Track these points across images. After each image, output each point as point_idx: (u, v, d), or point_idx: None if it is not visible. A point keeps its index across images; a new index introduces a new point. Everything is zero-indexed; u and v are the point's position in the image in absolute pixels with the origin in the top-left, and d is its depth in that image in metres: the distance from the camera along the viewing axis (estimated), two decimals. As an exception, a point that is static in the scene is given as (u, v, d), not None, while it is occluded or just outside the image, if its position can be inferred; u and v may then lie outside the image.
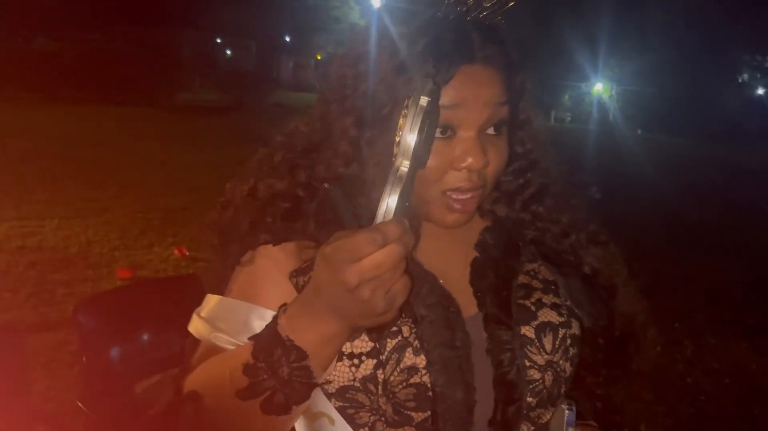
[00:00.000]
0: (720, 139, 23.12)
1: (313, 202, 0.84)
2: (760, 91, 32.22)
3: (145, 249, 5.20)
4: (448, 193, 0.83)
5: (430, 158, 0.78)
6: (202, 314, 0.85)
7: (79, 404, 1.85)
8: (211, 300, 0.86)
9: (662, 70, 26.69)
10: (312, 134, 0.89)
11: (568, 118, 29.99)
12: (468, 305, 0.88)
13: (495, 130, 0.84)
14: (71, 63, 19.33)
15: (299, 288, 0.82)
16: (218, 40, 29.43)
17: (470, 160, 0.81)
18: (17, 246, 4.92)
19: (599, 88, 29.69)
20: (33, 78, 18.49)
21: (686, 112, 26.07)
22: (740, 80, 32.71)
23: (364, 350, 0.80)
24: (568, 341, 0.89)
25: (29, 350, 3.33)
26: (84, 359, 1.97)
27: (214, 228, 0.91)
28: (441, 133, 0.80)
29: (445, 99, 0.78)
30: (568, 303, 0.91)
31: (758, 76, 32.87)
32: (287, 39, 26.99)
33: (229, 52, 30.84)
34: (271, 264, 0.83)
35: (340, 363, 0.79)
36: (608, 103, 29.19)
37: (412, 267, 0.82)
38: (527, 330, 0.87)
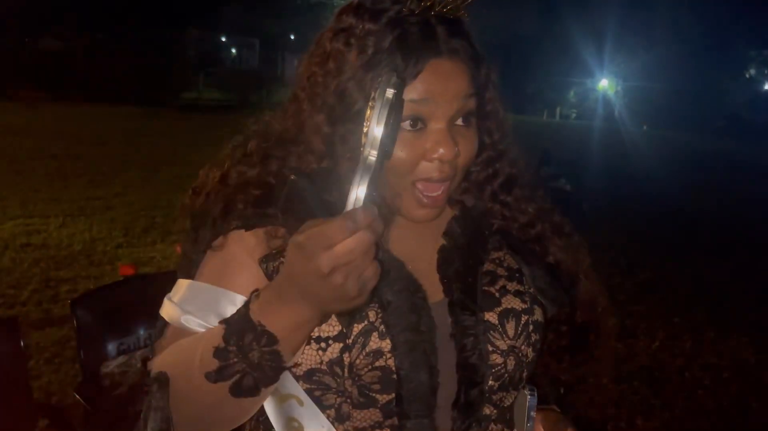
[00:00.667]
0: (726, 135, 23.01)
1: (283, 191, 0.85)
2: (767, 86, 32.02)
3: (148, 246, 5.25)
4: (419, 185, 0.85)
5: (402, 150, 0.82)
6: (174, 298, 0.86)
7: (77, 396, 1.90)
8: (182, 285, 0.86)
9: (668, 66, 26.55)
10: (285, 130, 0.90)
11: (574, 115, 29.90)
12: (434, 291, 0.89)
13: (464, 121, 0.86)
14: (78, 62, 19.47)
15: (269, 274, 0.83)
16: (223, 39, 29.52)
17: (442, 150, 0.83)
18: (22, 244, 4.99)
19: (604, 84, 29.58)
20: (40, 77, 18.63)
21: (692, 108, 25.94)
22: (747, 75, 32.52)
23: (331, 334, 0.81)
24: (531, 327, 0.91)
25: (33, 345, 3.39)
26: (81, 353, 2.02)
27: (186, 213, 0.92)
28: (411, 125, 0.82)
29: (414, 93, 0.81)
30: (532, 290, 0.93)
31: (765, 71, 32.66)
32: (292, 37, 27.02)
33: (234, 50, 30.93)
34: (242, 249, 0.84)
35: (308, 347, 0.81)
36: (614, 99, 29.09)
37: (380, 254, 0.84)
38: (491, 316, 0.89)
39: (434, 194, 0.86)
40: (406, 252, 0.90)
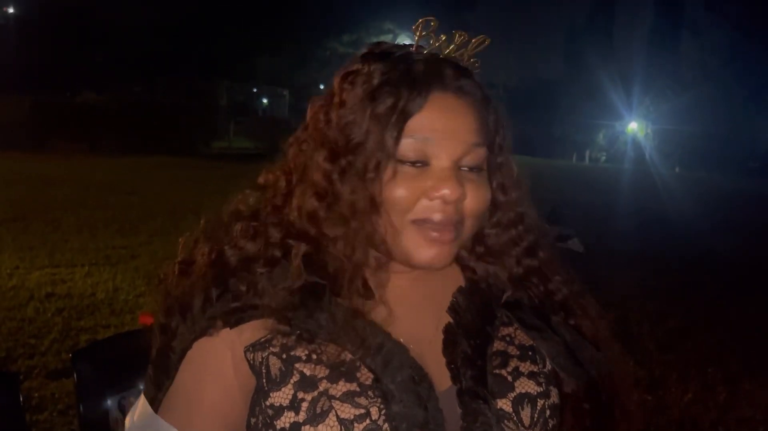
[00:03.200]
0: (760, 175, 22.53)
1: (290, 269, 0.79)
2: (802, 126, 31.46)
3: (169, 294, 5.27)
4: (419, 223, 0.79)
5: (401, 186, 0.78)
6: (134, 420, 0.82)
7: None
8: (145, 410, 0.82)
9: (698, 108, 26.35)
10: (285, 178, 0.85)
11: (603, 157, 29.70)
12: (441, 376, 0.82)
13: (472, 168, 0.81)
14: (114, 115, 20.14)
15: (256, 366, 0.78)
16: (254, 90, 30.32)
17: (445, 190, 0.77)
18: (46, 293, 5.05)
19: (634, 126, 29.40)
20: (77, 130, 19.30)
21: (725, 149, 25.57)
22: (780, 115, 32.01)
23: None
24: (548, 412, 0.83)
25: (48, 397, 3.38)
26: (81, 408, 2.00)
27: (163, 291, 0.83)
28: (412, 164, 0.78)
29: (416, 129, 0.77)
30: (546, 369, 0.86)
31: (799, 110, 32.13)
32: (321, 87, 27.73)
33: (264, 100, 31.70)
34: (223, 353, 0.79)
35: None
36: (644, 141, 28.85)
37: (381, 338, 0.79)
38: (504, 404, 0.82)
39: (440, 232, 0.79)
40: (408, 330, 0.83)
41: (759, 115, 28.41)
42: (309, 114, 0.84)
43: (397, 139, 0.76)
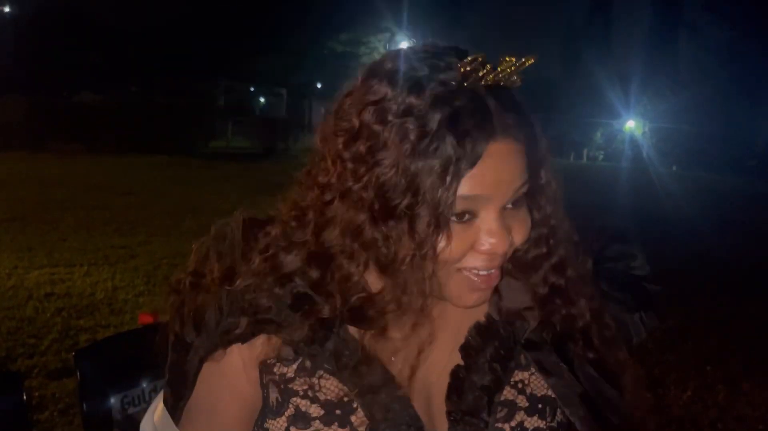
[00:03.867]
0: (758, 175, 22.56)
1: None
2: (799, 125, 31.49)
3: (169, 294, 5.27)
4: (465, 272, 0.75)
5: (447, 241, 0.71)
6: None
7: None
8: (166, 420, 0.82)
9: (696, 107, 26.37)
10: (301, 223, 0.77)
11: (601, 156, 29.72)
12: (441, 423, 0.79)
13: (515, 204, 0.75)
14: (112, 115, 20.10)
15: (263, 384, 0.78)
16: (251, 89, 30.28)
17: (493, 241, 0.72)
18: (46, 293, 5.04)
19: (631, 125, 29.42)
20: (75, 130, 19.24)
21: (723, 148, 25.60)
22: (778, 114, 32.04)
23: None
24: None
25: (48, 396, 3.38)
26: (84, 407, 1.99)
27: (177, 303, 0.81)
28: (458, 218, 0.72)
29: (467, 188, 0.69)
30: (555, 423, 0.82)
31: (796, 109, 32.16)
32: (318, 86, 27.59)
33: (262, 99, 31.66)
34: (235, 372, 0.79)
35: None
36: (641, 140, 28.87)
37: (385, 384, 0.76)
38: None
39: (486, 274, 0.75)
40: (415, 362, 0.79)
41: (757, 115, 28.45)
42: (327, 150, 0.73)
43: (453, 202, 0.69)
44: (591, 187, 15.73)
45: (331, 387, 0.76)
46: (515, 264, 0.84)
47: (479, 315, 0.84)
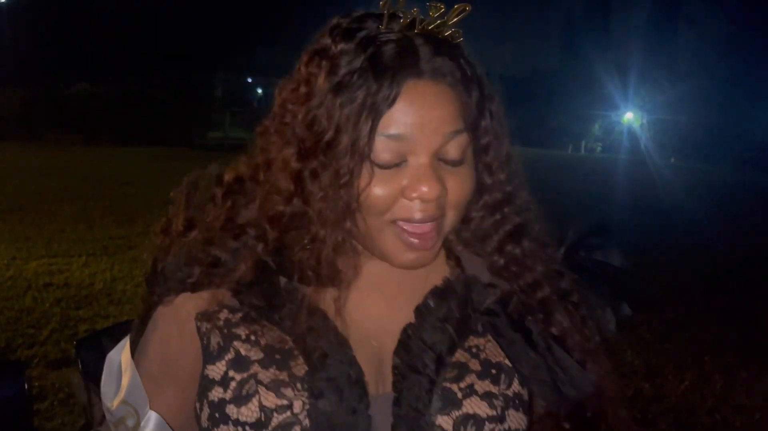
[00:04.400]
0: (756, 166, 22.58)
1: (243, 263, 0.79)
2: (797, 117, 31.49)
3: (168, 285, 5.27)
4: (400, 223, 0.74)
5: (376, 186, 0.72)
6: (122, 386, 0.82)
7: (76, 441, 1.87)
8: (128, 368, 0.83)
9: (695, 98, 26.36)
10: (253, 171, 0.81)
11: (599, 148, 29.73)
12: (385, 380, 0.77)
13: (453, 161, 0.74)
14: (109, 106, 20.05)
15: (201, 334, 0.78)
16: (249, 80, 30.18)
17: (424, 188, 0.71)
18: (45, 283, 5.05)
19: (630, 117, 29.40)
20: (73, 121, 19.21)
21: (720, 140, 25.60)
22: (776, 106, 32.04)
23: (249, 419, 0.73)
24: None
25: (48, 386, 3.39)
26: (84, 397, 2.01)
27: (150, 254, 0.85)
28: (385, 162, 0.72)
29: (389, 126, 0.70)
30: (510, 392, 0.78)
31: (795, 101, 32.16)
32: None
33: (259, 90, 31.57)
34: (181, 317, 0.80)
35: (225, 427, 0.74)
36: (639, 131, 28.86)
37: (326, 330, 0.76)
38: (444, 421, 0.75)
39: (420, 230, 0.74)
40: (369, 324, 0.79)
41: (754, 107, 28.45)
42: (277, 101, 0.78)
43: (370, 140, 0.70)
44: (589, 179, 15.74)
45: (273, 335, 0.76)
46: (472, 233, 0.84)
47: (438, 280, 0.83)
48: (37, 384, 3.40)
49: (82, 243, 6.42)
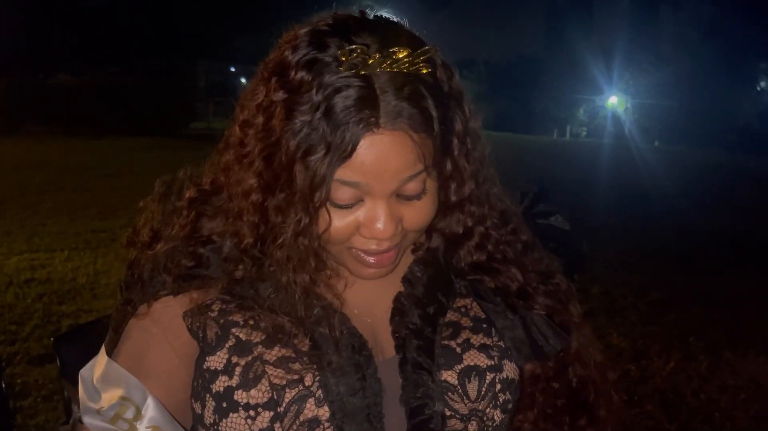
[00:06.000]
0: (738, 148, 22.79)
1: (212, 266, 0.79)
2: (779, 99, 31.78)
3: (152, 277, 5.22)
4: (355, 251, 0.76)
5: (335, 219, 0.72)
6: (95, 374, 0.79)
7: (56, 438, 1.83)
8: (102, 360, 0.80)
9: (678, 82, 26.48)
10: (217, 187, 0.81)
11: (584, 133, 29.83)
12: (387, 347, 0.81)
13: (409, 196, 0.74)
14: (90, 96, 19.76)
15: (194, 330, 0.78)
16: (232, 69, 29.91)
17: (378, 227, 0.72)
18: (26, 279, 4.97)
19: (614, 101, 29.51)
20: (53, 112, 18.93)
21: (704, 123, 25.78)
22: (758, 88, 32.32)
23: (260, 401, 0.73)
24: (498, 386, 0.80)
25: (31, 383, 3.34)
26: (66, 393, 1.97)
27: (123, 261, 0.85)
28: (341, 203, 0.72)
29: (345, 175, 0.70)
30: (503, 343, 0.83)
31: (776, 83, 32.45)
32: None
33: (243, 80, 31.30)
34: (166, 320, 0.79)
35: (235, 415, 0.74)
36: (623, 116, 28.99)
37: (322, 308, 0.78)
38: (449, 376, 0.79)
39: (377, 258, 0.76)
40: (359, 302, 0.82)
41: (737, 89, 28.66)
42: (237, 118, 0.76)
43: (327, 188, 0.70)
44: (574, 164, 15.78)
45: (271, 318, 0.77)
46: (444, 240, 0.86)
47: (419, 254, 0.87)
48: (19, 380, 3.36)
49: (65, 237, 6.34)
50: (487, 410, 0.79)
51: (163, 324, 0.79)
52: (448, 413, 0.78)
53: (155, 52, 22.86)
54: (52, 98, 19.48)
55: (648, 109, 28.27)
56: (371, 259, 0.76)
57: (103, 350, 0.82)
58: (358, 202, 0.73)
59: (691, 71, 26.73)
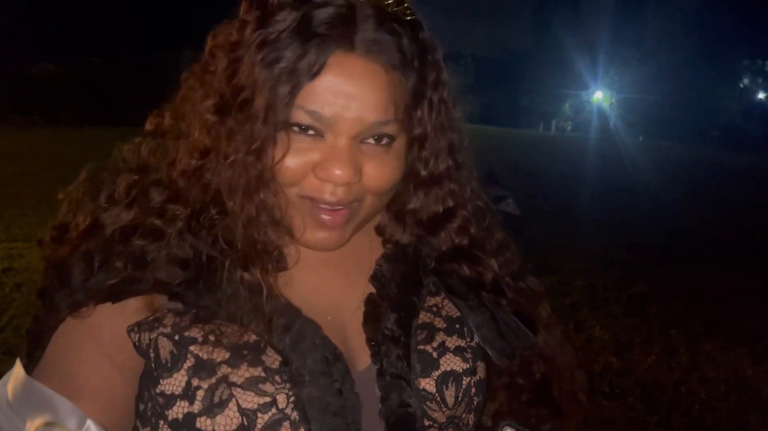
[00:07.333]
0: (721, 144, 23.05)
1: (168, 239, 0.68)
2: (761, 95, 32.15)
3: (133, 268, 5.17)
4: (307, 202, 0.70)
5: (288, 158, 0.66)
6: (8, 392, 0.68)
7: None
8: (19, 376, 0.69)
9: (662, 77, 26.69)
10: (171, 126, 0.73)
11: (569, 127, 30.01)
12: (360, 353, 0.74)
13: (377, 140, 0.69)
14: (73, 87, 19.54)
15: (142, 348, 0.68)
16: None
17: (336, 171, 0.66)
18: (4, 269, 4.89)
19: (599, 96, 29.70)
20: (35, 103, 18.68)
21: (687, 118, 26.04)
22: (741, 85, 32.67)
23: (229, 428, 0.65)
24: (473, 390, 0.76)
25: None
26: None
27: (43, 261, 0.73)
28: (303, 131, 0.67)
29: (309, 100, 0.65)
30: (474, 342, 0.78)
31: (758, 80, 32.83)
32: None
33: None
34: (102, 334, 0.68)
35: None
36: (608, 110, 29.17)
37: (290, 315, 0.70)
38: (427, 383, 0.74)
39: (329, 209, 0.70)
40: (328, 302, 0.75)
41: (721, 86, 28.93)
42: (208, 44, 0.71)
43: (288, 108, 0.65)
44: (560, 158, 15.87)
45: (233, 331, 0.68)
46: (418, 222, 0.80)
47: (383, 250, 0.82)
48: (-4, 371, 3.30)
49: (44, 227, 6.23)
50: (463, 415, 0.76)
51: (102, 336, 0.68)
52: (426, 423, 0.73)
53: (139, 42, 22.63)
54: (33, 88, 19.24)
55: (633, 103, 28.49)
56: (324, 216, 0.69)
57: (18, 364, 0.70)
58: (317, 137, 0.67)
59: (676, 67, 26.97)
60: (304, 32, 0.64)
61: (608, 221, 8.19)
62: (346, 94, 0.65)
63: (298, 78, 0.64)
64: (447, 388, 0.74)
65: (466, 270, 0.80)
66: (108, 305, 0.67)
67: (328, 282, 0.77)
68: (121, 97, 19.38)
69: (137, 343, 0.68)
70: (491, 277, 0.81)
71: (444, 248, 0.81)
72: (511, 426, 0.79)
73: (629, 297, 5.12)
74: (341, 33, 0.64)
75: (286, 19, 0.64)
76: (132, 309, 0.67)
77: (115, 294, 0.67)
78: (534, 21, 37.31)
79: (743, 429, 3.24)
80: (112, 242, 0.68)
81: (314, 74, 0.64)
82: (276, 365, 0.67)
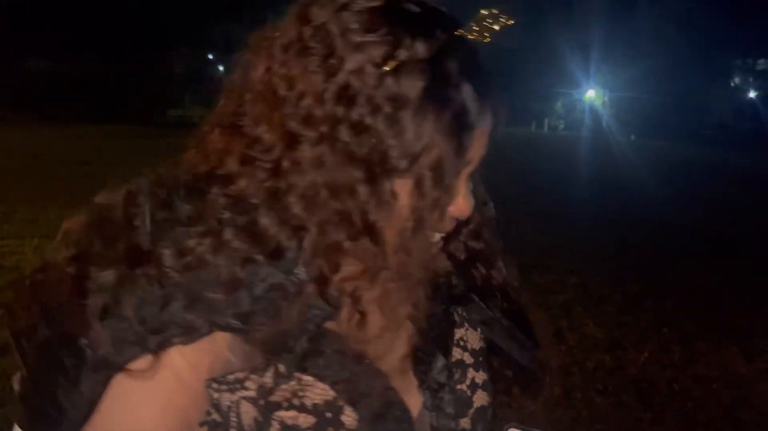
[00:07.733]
0: (713, 143, 23.16)
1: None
2: (752, 94, 32.33)
3: (125, 266, 5.13)
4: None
5: (462, 198, 0.68)
6: None
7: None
8: None
9: (654, 76, 26.79)
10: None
11: (562, 126, 30.09)
12: (412, 396, 0.71)
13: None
14: (66, 83, 19.42)
15: (222, 409, 0.62)
16: (210, 56, 29.57)
17: (465, 206, 0.69)
18: (-6, 267, 4.85)
19: (591, 94, 29.78)
20: (26, 98, 18.56)
21: (679, 117, 26.16)
22: (732, 84, 32.84)
23: None
24: (490, 418, 0.79)
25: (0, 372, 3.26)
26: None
27: (29, 297, 0.61)
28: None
29: (472, 151, 0.66)
30: (487, 374, 0.80)
31: (749, 79, 33.01)
32: (279, 53, 27.15)
33: (220, 67, 30.98)
34: (176, 383, 0.58)
35: None
36: (601, 109, 29.27)
37: (373, 381, 0.66)
38: (465, 422, 0.74)
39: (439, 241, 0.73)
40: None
41: (712, 85, 29.07)
42: (291, 82, 0.60)
43: (466, 155, 0.64)
44: (552, 157, 15.91)
45: (315, 390, 0.63)
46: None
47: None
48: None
49: (35, 224, 6.19)
50: None
51: (176, 385, 0.58)
52: None
53: (132, 39, 22.50)
54: (26, 84, 19.12)
55: (625, 102, 28.61)
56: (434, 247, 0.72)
57: None
58: None
59: (668, 66, 27.07)
60: (475, 80, 0.64)
61: (601, 219, 8.21)
62: (486, 139, 0.69)
63: (470, 126, 0.64)
64: (478, 423, 0.76)
65: (481, 272, 0.81)
66: (180, 347, 0.57)
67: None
68: (114, 93, 19.33)
69: (217, 402, 0.61)
70: (498, 282, 0.82)
71: (459, 256, 0.80)
72: (516, 427, 0.78)
73: (623, 295, 5.14)
74: (491, 83, 0.67)
75: (443, 67, 0.61)
76: (204, 352, 0.59)
77: (194, 333, 0.57)
78: (526, 19, 37.38)
79: (737, 426, 3.25)
80: (194, 273, 0.58)
81: (478, 124, 0.65)
82: (354, 425, 0.64)
